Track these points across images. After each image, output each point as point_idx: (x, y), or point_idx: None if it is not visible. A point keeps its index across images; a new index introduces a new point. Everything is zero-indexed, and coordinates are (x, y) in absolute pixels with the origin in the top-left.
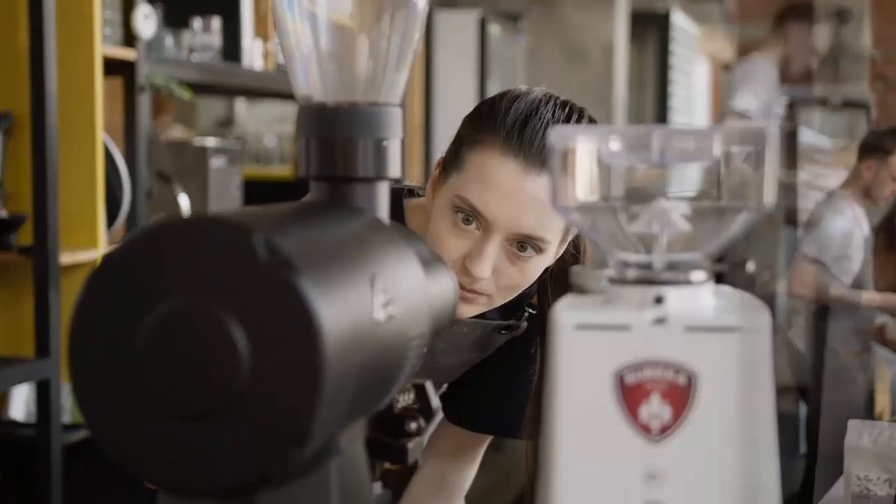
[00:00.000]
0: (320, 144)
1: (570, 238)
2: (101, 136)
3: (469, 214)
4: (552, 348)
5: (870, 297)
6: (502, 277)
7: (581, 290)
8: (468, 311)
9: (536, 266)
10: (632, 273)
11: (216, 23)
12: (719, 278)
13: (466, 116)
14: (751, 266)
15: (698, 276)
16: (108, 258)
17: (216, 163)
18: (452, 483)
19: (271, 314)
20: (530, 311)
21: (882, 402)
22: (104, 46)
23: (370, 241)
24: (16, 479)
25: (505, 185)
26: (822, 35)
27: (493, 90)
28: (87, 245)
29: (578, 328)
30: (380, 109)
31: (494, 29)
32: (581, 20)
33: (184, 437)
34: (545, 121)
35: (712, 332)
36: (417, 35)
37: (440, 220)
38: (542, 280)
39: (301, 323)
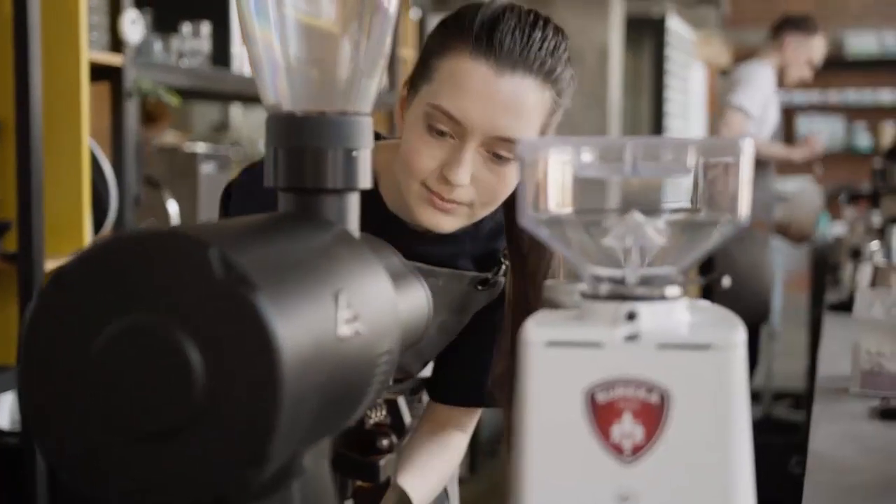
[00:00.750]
0: (289, 154)
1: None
2: (87, 141)
3: (443, 123)
4: (522, 365)
5: (778, 149)
6: (481, 185)
7: (554, 305)
8: (449, 222)
9: (514, 172)
10: (604, 288)
11: (206, 28)
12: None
13: (433, 30)
14: (726, 281)
15: (672, 291)
16: (60, 272)
17: (206, 168)
18: (449, 444)
19: (227, 331)
20: (506, 264)
21: None
22: (91, 52)
23: (336, 255)
24: (1, 486)
25: (478, 88)
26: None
27: None
28: (73, 251)
29: (549, 345)
30: (349, 118)
31: None
32: (576, 24)
33: (138, 457)
34: (512, 24)
35: (686, 349)
36: (388, 40)
37: (413, 133)
38: (510, 211)
39: (258, 341)
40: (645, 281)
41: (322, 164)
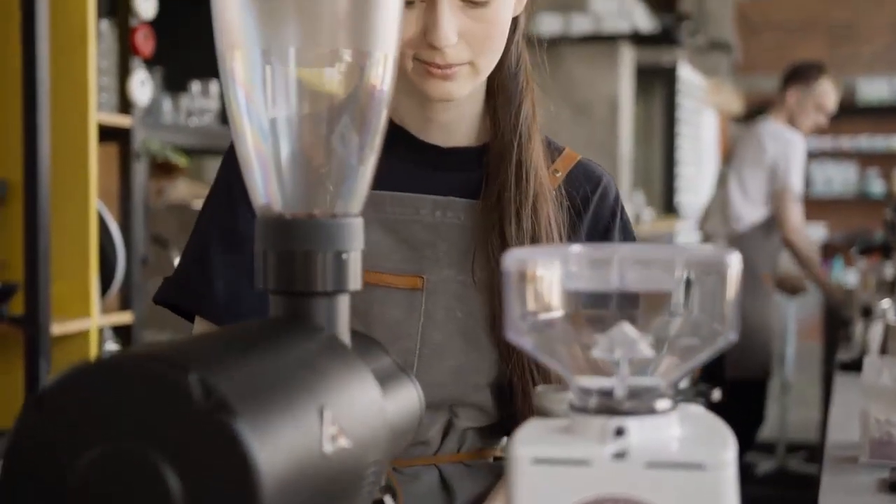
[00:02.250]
0: (278, 257)
1: None
2: (95, 204)
3: None
4: (510, 481)
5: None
6: (471, 37)
7: (544, 413)
8: (457, 87)
9: (500, 10)
10: (593, 402)
11: (214, 86)
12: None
13: None
14: (716, 394)
15: (662, 404)
16: (40, 396)
17: None
18: None
19: (207, 458)
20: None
21: None
22: (99, 113)
23: (322, 367)
24: None
25: None
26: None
27: None
28: (80, 314)
29: (536, 462)
30: (339, 221)
31: None
32: (585, 76)
33: None
34: None
35: (675, 468)
36: (378, 141)
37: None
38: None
39: (238, 468)
40: (634, 394)
41: (312, 268)
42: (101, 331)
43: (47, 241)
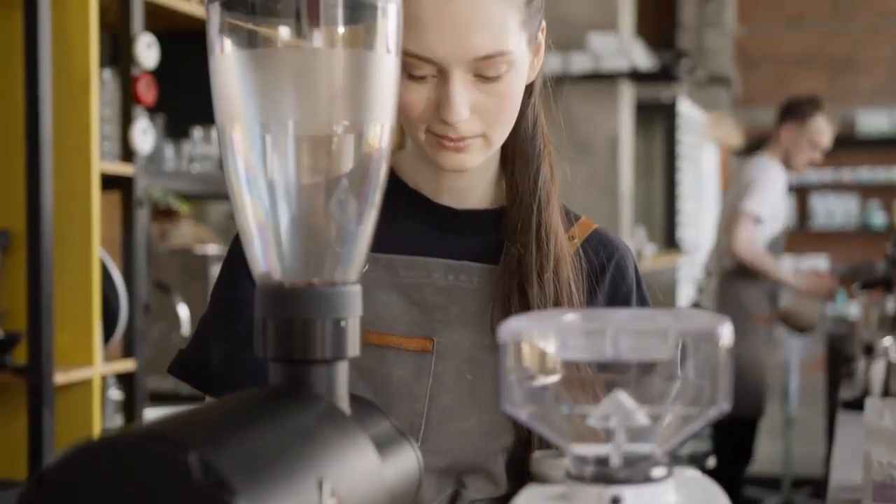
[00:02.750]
0: (277, 326)
1: (539, 33)
2: (97, 252)
3: (417, 67)
4: None
5: (790, 276)
6: (483, 111)
7: (541, 479)
8: (470, 159)
9: (513, 83)
10: (589, 470)
11: (216, 133)
12: None
13: None
14: (711, 461)
15: (658, 472)
16: (41, 475)
17: (217, 270)
18: None
19: None
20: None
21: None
22: (102, 162)
23: (320, 438)
24: None
25: (432, 17)
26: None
27: None
28: (83, 363)
29: None
30: (338, 289)
31: None
32: (585, 114)
33: None
34: None
35: None
36: (375, 208)
37: (401, 87)
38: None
39: None
40: (629, 461)
41: (311, 336)
42: (103, 378)
43: (50, 290)
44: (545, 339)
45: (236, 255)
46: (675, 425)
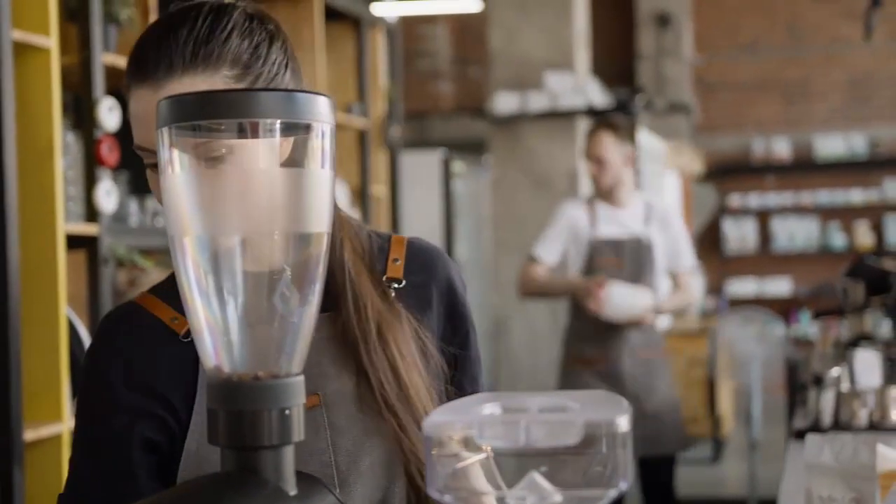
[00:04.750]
0: (228, 416)
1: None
2: (64, 311)
3: (148, 157)
4: None
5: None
6: None
7: None
8: None
9: (310, 146)
10: None
11: None
12: None
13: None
14: None
15: None
16: None
17: None
18: None
19: None
20: (395, 284)
21: None
22: (67, 223)
23: None
24: None
25: (146, 110)
26: None
27: (459, 224)
28: (52, 419)
29: None
30: (282, 381)
31: (458, 166)
32: (544, 150)
33: None
34: (155, 36)
35: None
36: (315, 305)
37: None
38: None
39: None
40: None
41: (258, 425)
42: (71, 433)
43: (18, 348)
44: (466, 430)
45: (95, 374)
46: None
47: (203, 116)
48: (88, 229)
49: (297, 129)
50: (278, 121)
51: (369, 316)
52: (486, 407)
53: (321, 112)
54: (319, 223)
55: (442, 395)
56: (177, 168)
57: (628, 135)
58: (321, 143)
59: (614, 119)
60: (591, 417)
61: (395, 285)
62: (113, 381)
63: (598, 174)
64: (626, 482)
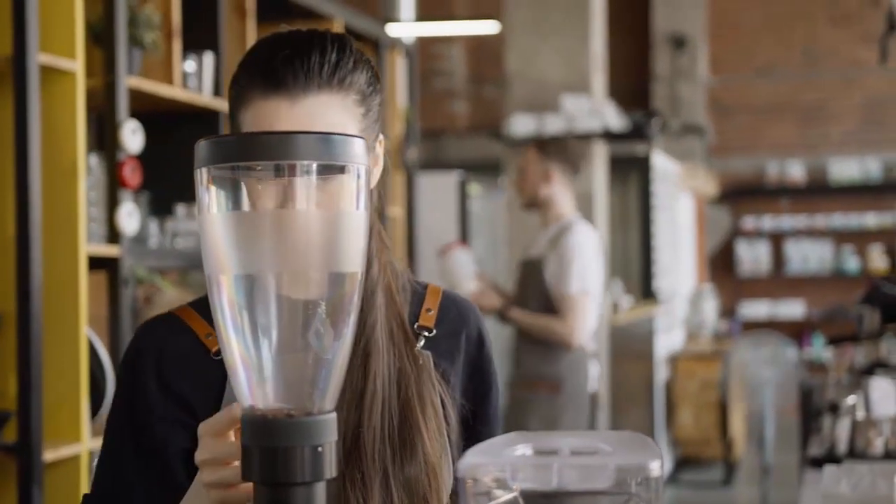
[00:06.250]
0: (261, 453)
1: (377, 144)
2: (84, 331)
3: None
4: None
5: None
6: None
7: None
8: None
9: (346, 188)
10: None
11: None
12: None
13: (229, 92)
14: None
15: None
16: None
17: None
18: None
19: None
20: (425, 333)
21: None
22: (89, 245)
23: None
24: None
25: (276, 122)
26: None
27: (475, 245)
28: (71, 440)
29: None
30: (315, 419)
31: (475, 188)
32: None
33: None
34: (288, 52)
35: None
36: (348, 342)
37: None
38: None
39: None
40: None
41: (291, 462)
42: (90, 453)
43: (39, 369)
44: (500, 472)
45: (131, 377)
46: None
47: (241, 158)
48: (110, 251)
49: (333, 170)
50: (314, 162)
51: (361, 344)
52: (517, 448)
53: (356, 154)
54: (353, 262)
55: (449, 447)
56: (213, 208)
57: (555, 155)
58: (356, 183)
59: (547, 140)
60: (624, 462)
61: (426, 334)
62: (148, 387)
63: (518, 184)
64: None
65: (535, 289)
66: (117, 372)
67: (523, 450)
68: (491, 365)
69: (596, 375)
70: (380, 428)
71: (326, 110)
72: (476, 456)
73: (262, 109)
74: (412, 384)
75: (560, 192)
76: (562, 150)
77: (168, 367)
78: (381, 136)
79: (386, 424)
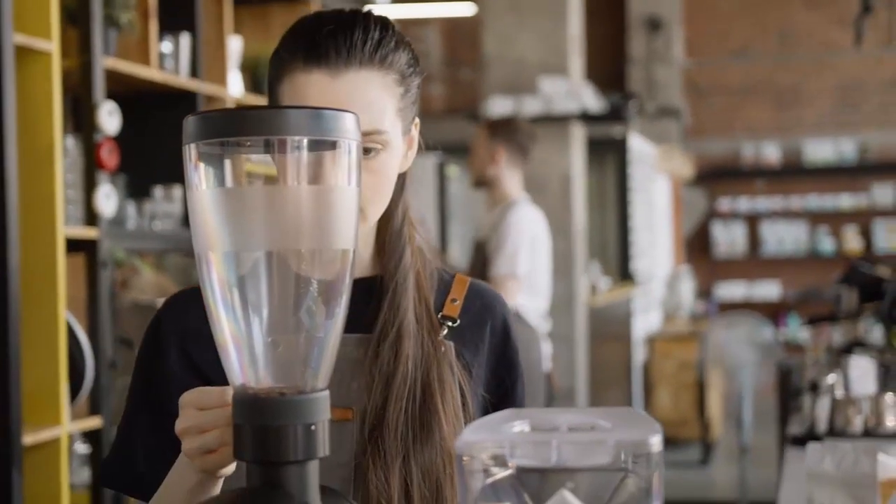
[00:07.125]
0: (254, 432)
1: (413, 127)
2: (63, 314)
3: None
4: None
5: None
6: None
7: None
8: None
9: (387, 163)
10: None
11: (177, 191)
12: None
13: (270, 63)
14: None
15: None
16: None
17: None
18: None
19: None
20: (449, 323)
21: None
22: (67, 227)
23: None
24: None
25: (318, 95)
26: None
27: (453, 229)
28: (51, 423)
29: None
30: (307, 397)
31: (452, 170)
32: (539, 155)
33: None
34: (332, 27)
35: None
36: (341, 320)
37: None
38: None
39: None
40: None
41: (284, 440)
42: (70, 436)
43: (18, 353)
44: (498, 449)
45: (153, 343)
46: None
47: (231, 133)
48: (88, 233)
49: (324, 146)
50: (305, 138)
51: (393, 329)
52: (515, 424)
53: (348, 129)
54: (345, 240)
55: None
56: (202, 185)
57: (503, 136)
58: (348, 159)
59: (497, 120)
60: (623, 437)
61: (450, 324)
62: (170, 357)
63: (468, 163)
64: (659, 502)
65: (479, 270)
66: (140, 342)
67: (521, 426)
68: (516, 356)
69: (549, 355)
70: (403, 410)
71: (367, 86)
72: (474, 433)
73: (302, 82)
74: (434, 369)
75: (506, 173)
76: (510, 131)
77: (191, 339)
78: (416, 119)
79: (409, 406)
